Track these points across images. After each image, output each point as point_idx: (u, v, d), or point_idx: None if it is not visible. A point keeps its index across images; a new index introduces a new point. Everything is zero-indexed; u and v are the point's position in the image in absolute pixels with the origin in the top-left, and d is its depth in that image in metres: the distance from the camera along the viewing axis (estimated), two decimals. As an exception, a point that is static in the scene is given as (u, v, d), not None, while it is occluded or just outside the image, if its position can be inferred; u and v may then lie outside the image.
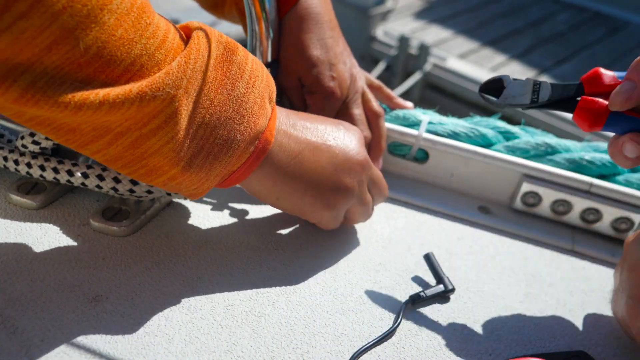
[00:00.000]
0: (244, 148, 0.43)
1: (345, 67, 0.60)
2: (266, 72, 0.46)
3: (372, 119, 0.62)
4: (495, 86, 0.45)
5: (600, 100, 0.43)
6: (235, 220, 0.55)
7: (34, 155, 0.51)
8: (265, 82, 0.45)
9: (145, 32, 0.37)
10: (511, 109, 0.44)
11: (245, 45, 0.61)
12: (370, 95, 0.63)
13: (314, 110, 0.59)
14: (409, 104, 0.69)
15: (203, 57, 0.40)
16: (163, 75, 0.37)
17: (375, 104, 0.63)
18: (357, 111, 0.61)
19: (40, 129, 0.38)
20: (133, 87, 0.36)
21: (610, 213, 0.60)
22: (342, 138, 0.51)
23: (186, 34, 0.41)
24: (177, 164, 0.41)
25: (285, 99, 0.62)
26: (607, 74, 0.44)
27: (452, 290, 0.50)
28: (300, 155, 0.48)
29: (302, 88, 0.61)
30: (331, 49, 0.60)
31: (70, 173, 0.51)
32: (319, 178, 0.48)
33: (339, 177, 0.49)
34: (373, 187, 0.53)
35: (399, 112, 0.66)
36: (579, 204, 0.60)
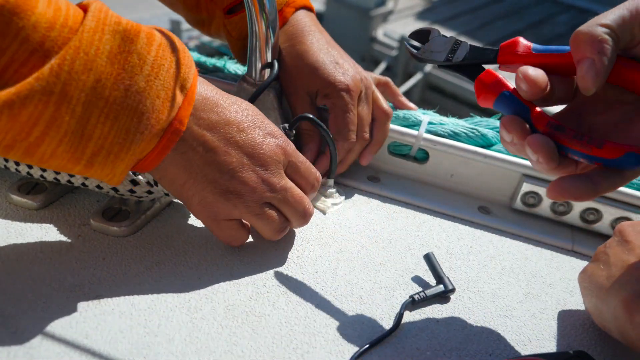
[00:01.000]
0: (148, 141, 0.41)
1: (348, 64, 0.60)
2: (180, 56, 0.42)
3: (381, 118, 0.62)
4: (422, 37, 0.45)
5: (500, 77, 0.41)
6: (235, 220, 0.55)
7: (35, 156, 0.51)
8: (173, 71, 0.41)
9: (16, 38, 0.35)
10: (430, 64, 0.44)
11: (245, 49, 0.61)
12: (379, 94, 0.62)
13: (337, 111, 0.58)
14: (413, 105, 0.68)
15: (92, 52, 0.37)
16: (32, 81, 0.35)
17: (384, 104, 0.62)
18: (365, 110, 0.60)
19: None
20: (0, 95, 0.34)
21: (610, 213, 0.60)
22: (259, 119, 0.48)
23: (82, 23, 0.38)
24: (78, 162, 0.40)
25: (285, 102, 0.62)
26: (523, 44, 0.42)
27: (452, 290, 0.50)
28: (213, 142, 0.44)
29: (314, 100, 0.59)
30: (331, 51, 0.60)
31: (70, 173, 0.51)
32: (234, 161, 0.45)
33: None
34: (296, 175, 0.49)
35: (399, 112, 0.66)
36: (579, 204, 0.60)
